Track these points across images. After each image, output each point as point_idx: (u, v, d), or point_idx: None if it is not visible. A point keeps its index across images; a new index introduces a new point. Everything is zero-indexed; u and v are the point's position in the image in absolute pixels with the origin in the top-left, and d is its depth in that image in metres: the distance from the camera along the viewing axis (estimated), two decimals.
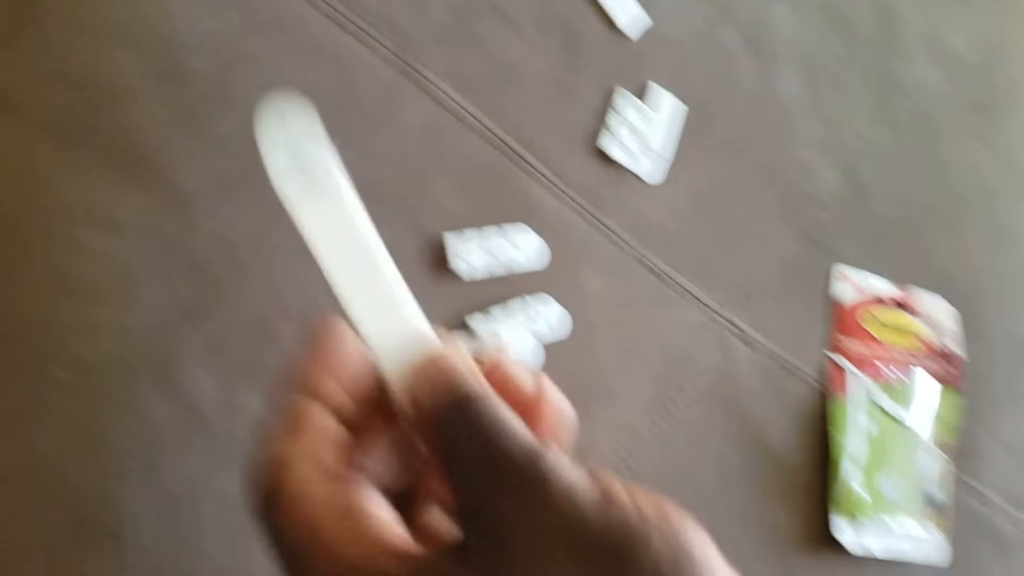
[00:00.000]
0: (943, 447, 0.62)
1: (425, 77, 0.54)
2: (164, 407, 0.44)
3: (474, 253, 0.52)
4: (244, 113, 0.46)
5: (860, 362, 0.62)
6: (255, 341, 0.47)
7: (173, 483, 0.44)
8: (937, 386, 0.63)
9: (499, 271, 0.53)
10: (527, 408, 0.26)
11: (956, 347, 0.64)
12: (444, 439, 0.24)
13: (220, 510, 0.44)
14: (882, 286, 0.63)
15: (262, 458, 0.25)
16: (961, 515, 0.62)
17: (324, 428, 0.25)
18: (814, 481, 0.60)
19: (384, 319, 0.26)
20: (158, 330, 0.45)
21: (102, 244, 0.45)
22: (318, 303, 0.48)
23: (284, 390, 0.26)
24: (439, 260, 0.52)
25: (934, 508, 0.61)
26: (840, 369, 0.61)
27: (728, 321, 0.59)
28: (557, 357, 0.54)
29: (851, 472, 0.59)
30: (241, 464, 0.45)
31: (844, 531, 0.58)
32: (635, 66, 0.59)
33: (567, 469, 0.23)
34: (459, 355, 0.26)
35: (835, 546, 0.58)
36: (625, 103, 0.57)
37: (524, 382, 0.28)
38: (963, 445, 0.63)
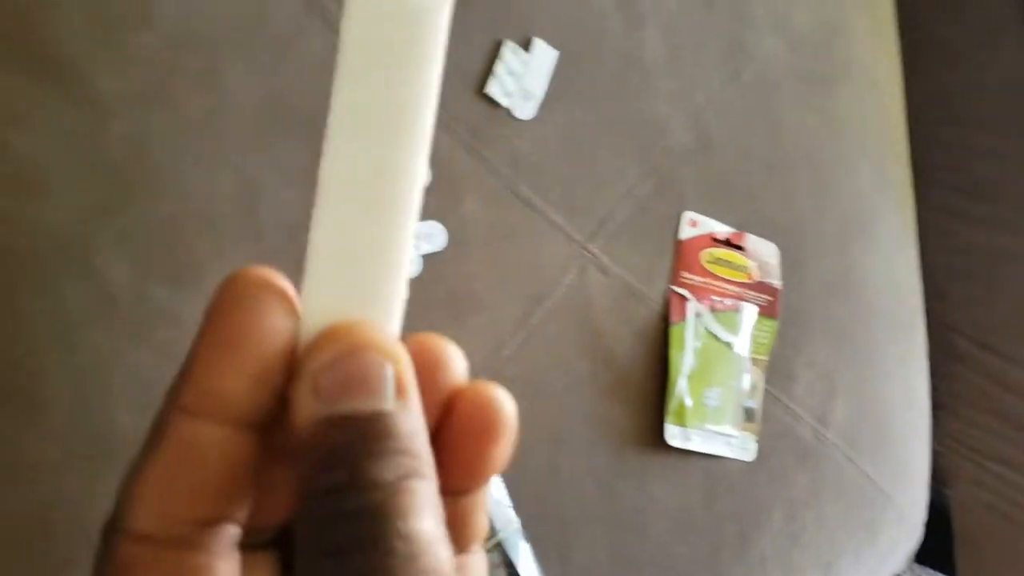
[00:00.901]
0: (758, 364, 0.74)
1: (330, 10, 0.59)
2: (79, 291, 0.49)
3: None
4: (161, 29, 0.51)
5: (697, 292, 0.72)
6: (166, 237, 0.52)
7: (87, 359, 0.49)
8: (756, 312, 0.74)
9: None
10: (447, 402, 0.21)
11: (776, 281, 0.76)
12: (314, 467, 0.17)
13: (130, 384, 0.50)
14: (719, 228, 0.73)
15: (121, 480, 0.19)
16: (769, 423, 0.74)
17: (192, 458, 0.18)
18: (650, 390, 0.70)
19: (356, 249, 0.19)
20: (73, 223, 0.50)
21: (16, 140, 0.49)
22: (227, 211, 0.53)
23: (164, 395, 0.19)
24: None
25: (748, 416, 0.73)
26: (681, 298, 0.71)
27: (587, 250, 0.68)
28: (435, 268, 0.61)
29: (682, 387, 0.70)
30: (150, 346, 0.50)
31: (674, 436, 0.69)
32: (516, 18, 0.66)
33: None
34: (405, 361, 0.19)
35: (663, 443, 0.69)
36: (508, 52, 0.64)
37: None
38: (775, 364, 0.75)
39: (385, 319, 0.19)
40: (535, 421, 0.64)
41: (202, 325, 0.18)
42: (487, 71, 0.64)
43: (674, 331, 0.70)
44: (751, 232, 0.75)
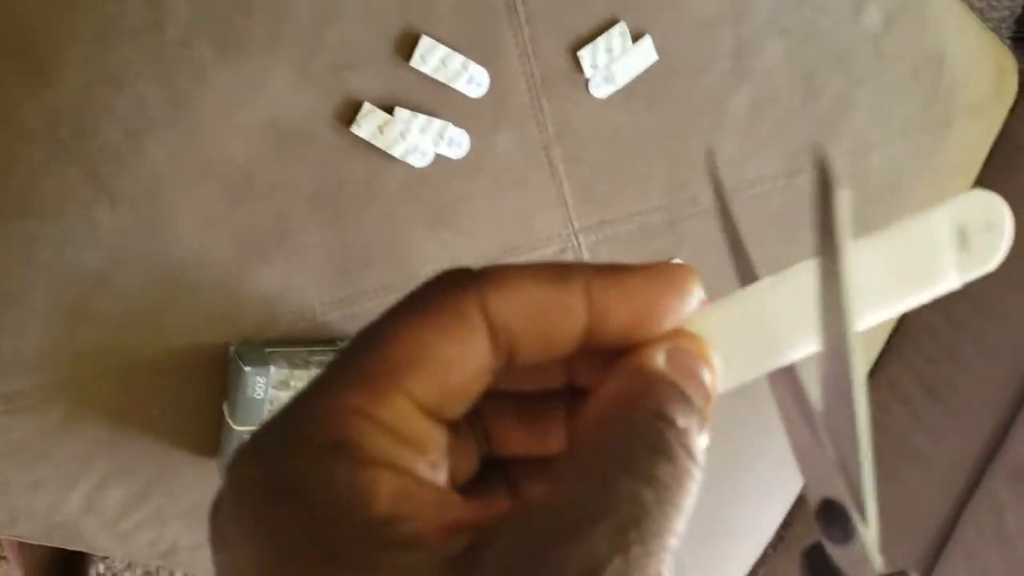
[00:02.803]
0: None
1: None
2: None
3: (434, 57, 0.60)
4: None
5: None
6: None
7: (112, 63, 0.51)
8: None
9: (441, 78, 0.61)
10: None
11: None
12: (664, 396, 0.19)
13: (129, 108, 0.52)
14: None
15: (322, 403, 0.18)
16: None
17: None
18: None
19: (772, 328, 0.22)
20: None
21: None
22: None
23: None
24: (407, 51, 0.60)
25: None
26: None
27: (576, 237, 0.70)
28: (441, 173, 0.63)
29: None
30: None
31: None
32: (643, 7, 0.67)
33: None
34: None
35: None
36: (616, 33, 0.66)
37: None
38: None
39: (728, 382, 0.21)
40: None
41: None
42: (590, 38, 0.66)
43: None
44: None
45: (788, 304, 0.22)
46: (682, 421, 0.18)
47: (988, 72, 0.90)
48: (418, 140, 0.61)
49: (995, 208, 0.22)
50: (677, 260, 0.72)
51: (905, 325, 1.43)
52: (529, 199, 0.68)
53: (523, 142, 0.66)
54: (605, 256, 0.72)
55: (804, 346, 0.21)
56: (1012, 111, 0.95)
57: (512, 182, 0.67)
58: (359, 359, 0.18)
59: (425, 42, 0.60)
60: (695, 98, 0.71)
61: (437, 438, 0.19)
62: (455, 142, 0.63)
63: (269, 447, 0.18)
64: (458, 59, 0.61)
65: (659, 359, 0.19)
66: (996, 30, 1.47)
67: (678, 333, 0.20)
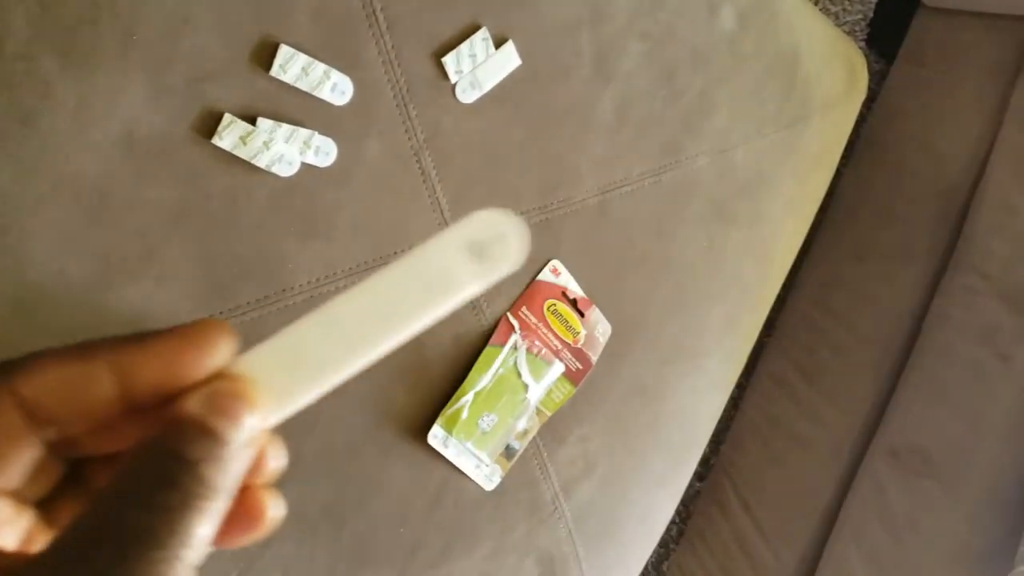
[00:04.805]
0: (540, 415, 0.79)
1: None
2: None
3: (294, 66, 0.60)
4: None
5: (525, 329, 0.76)
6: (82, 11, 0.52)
7: None
8: (561, 371, 0.79)
9: (303, 87, 0.61)
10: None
11: (594, 357, 0.81)
12: (140, 454, 0.23)
13: None
14: (574, 287, 0.78)
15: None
16: (521, 468, 0.79)
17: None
18: (438, 389, 0.73)
19: (309, 355, 0.26)
20: None
21: None
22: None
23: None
24: (266, 61, 0.60)
25: (507, 454, 0.77)
26: (509, 327, 0.75)
27: None
28: (310, 181, 0.63)
29: (467, 400, 0.74)
30: None
31: (436, 437, 0.73)
32: (504, 13, 0.68)
33: None
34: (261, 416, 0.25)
35: (423, 438, 0.72)
36: (479, 38, 0.67)
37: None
38: (555, 424, 0.80)
39: (280, 410, 0.26)
40: None
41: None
42: (453, 44, 0.66)
43: (489, 351, 0.74)
44: (598, 305, 0.79)
45: (326, 333, 0.26)
46: (194, 455, 0.22)
47: (840, 69, 0.95)
48: (283, 150, 0.60)
49: (502, 222, 0.27)
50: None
51: (783, 319, 1.49)
52: (402, 205, 0.68)
53: (393, 148, 0.66)
54: None
55: (348, 368, 0.26)
56: (866, 104, 1.01)
57: (384, 189, 0.67)
58: None
59: (284, 51, 0.59)
60: (561, 101, 0.73)
61: None
62: (322, 150, 0.62)
63: None
64: (320, 67, 0.61)
65: (191, 403, 0.23)
66: (851, 33, 1.56)
67: (219, 376, 0.24)
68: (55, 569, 0.20)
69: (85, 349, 0.23)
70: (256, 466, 0.25)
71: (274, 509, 0.25)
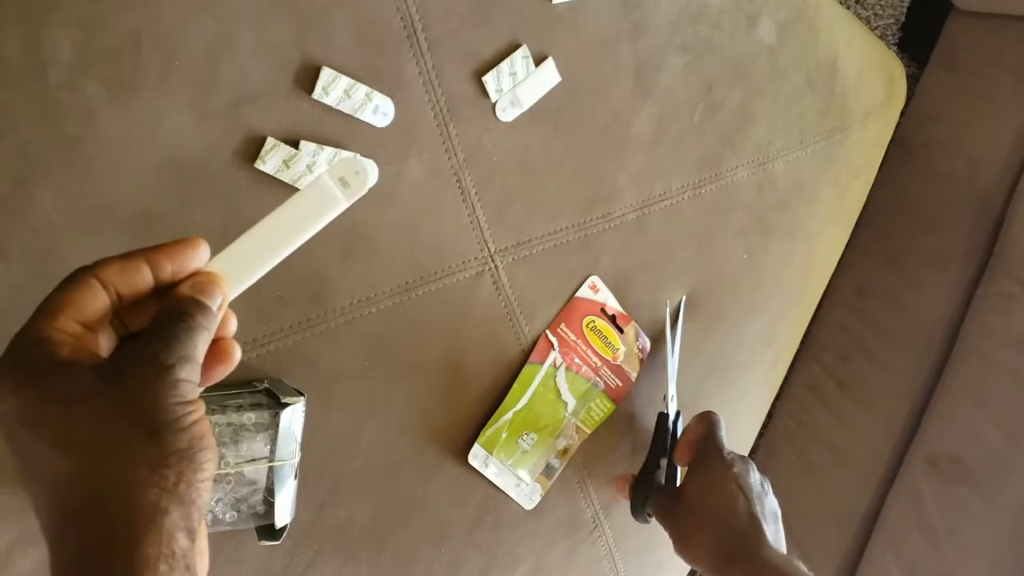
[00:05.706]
0: (580, 433, 0.78)
1: None
2: None
3: (337, 89, 0.59)
4: None
5: (564, 347, 0.75)
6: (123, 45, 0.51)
7: None
8: (602, 389, 0.78)
9: (346, 109, 0.60)
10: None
11: (634, 373, 0.80)
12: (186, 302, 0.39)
13: None
14: (613, 304, 0.77)
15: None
16: (561, 487, 0.78)
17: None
18: (478, 409, 0.73)
19: (246, 257, 0.41)
20: None
21: None
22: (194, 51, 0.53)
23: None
24: (308, 84, 0.59)
25: (547, 472, 0.77)
26: (548, 344, 0.74)
27: (492, 260, 0.70)
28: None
29: (506, 419, 0.73)
30: None
31: (476, 457, 0.72)
32: (545, 32, 0.68)
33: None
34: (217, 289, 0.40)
35: (464, 458, 0.72)
36: (519, 56, 0.66)
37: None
38: (594, 441, 0.79)
39: (234, 291, 0.41)
40: (366, 382, 0.66)
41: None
42: (493, 63, 0.66)
43: (528, 369, 0.73)
44: (638, 322, 0.79)
45: (256, 244, 0.41)
46: (190, 309, 0.38)
47: (879, 78, 0.93)
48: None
49: (359, 163, 0.42)
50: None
51: (816, 325, 1.47)
52: (443, 225, 0.67)
53: (433, 169, 0.66)
54: (527, 276, 0.72)
55: (272, 263, 0.41)
56: (903, 113, 1.00)
57: (425, 209, 0.66)
58: (46, 304, 0.36)
59: (326, 73, 0.59)
60: (600, 116, 0.72)
61: (86, 333, 0.37)
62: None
63: (8, 351, 0.36)
64: (362, 89, 0.60)
65: (185, 287, 0.39)
66: (883, 37, 1.54)
67: (198, 272, 0.39)
68: (117, 362, 0.36)
69: (130, 252, 0.38)
70: (222, 324, 0.40)
71: (237, 351, 0.40)
